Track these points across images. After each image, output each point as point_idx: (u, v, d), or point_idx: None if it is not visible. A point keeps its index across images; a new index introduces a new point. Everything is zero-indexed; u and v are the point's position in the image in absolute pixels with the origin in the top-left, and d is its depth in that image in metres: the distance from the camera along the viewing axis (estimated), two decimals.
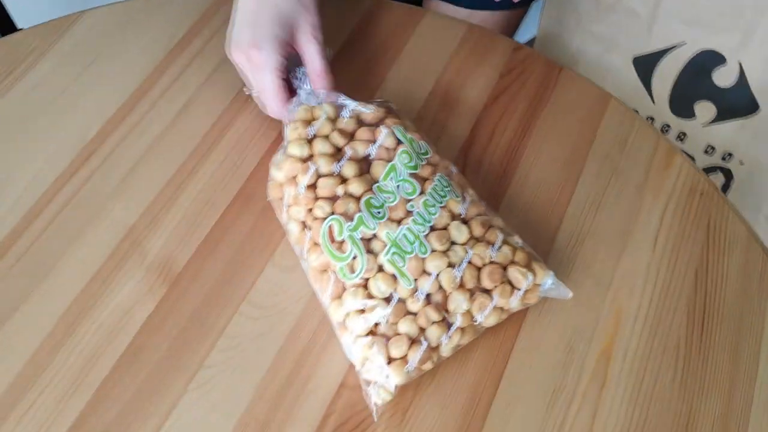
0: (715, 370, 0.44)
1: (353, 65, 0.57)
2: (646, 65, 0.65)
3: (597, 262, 0.48)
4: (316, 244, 0.43)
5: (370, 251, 0.41)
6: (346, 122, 0.46)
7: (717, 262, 0.48)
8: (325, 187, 0.43)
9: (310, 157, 0.44)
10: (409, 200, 0.43)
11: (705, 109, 0.65)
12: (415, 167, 0.44)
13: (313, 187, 0.44)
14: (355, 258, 0.41)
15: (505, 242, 0.43)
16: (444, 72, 0.57)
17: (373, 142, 0.45)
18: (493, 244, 0.43)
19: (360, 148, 0.45)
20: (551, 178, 0.52)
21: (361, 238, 0.42)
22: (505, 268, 0.42)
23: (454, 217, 0.43)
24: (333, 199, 0.43)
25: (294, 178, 0.44)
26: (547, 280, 0.43)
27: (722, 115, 0.64)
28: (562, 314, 0.46)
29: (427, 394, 0.43)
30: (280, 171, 0.45)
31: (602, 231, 0.49)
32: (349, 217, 0.42)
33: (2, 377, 0.42)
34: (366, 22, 0.60)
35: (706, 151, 0.67)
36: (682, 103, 0.65)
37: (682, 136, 0.68)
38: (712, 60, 0.61)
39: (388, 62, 0.58)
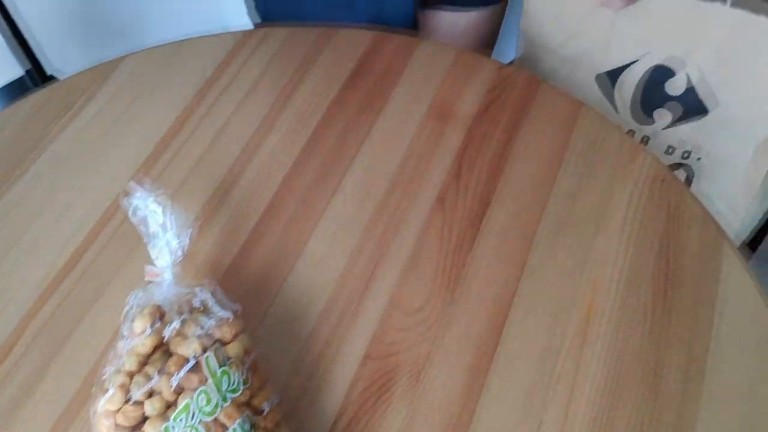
0: (678, 326, 0.53)
1: (361, 90, 0.67)
2: (607, 81, 0.74)
3: (576, 242, 0.57)
4: None
5: None
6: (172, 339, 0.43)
7: (677, 236, 0.57)
8: (122, 415, 0.41)
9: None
10: None
11: (662, 115, 0.74)
12: (212, 412, 0.41)
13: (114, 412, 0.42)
14: None
15: None
16: (439, 91, 0.67)
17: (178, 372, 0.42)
18: None
19: (164, 382, 0.42)
20: (536, 174, 0.61)
21: None
22: None
23: None
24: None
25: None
26: None
27: (677, 120, 0.73)
28: (548, 286, 0.54)
29: (438, 352, 0.51)
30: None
31: (579, 215, 0.58)
32: None
33: None
34: (370, 53, 0.70)
35: (667, 152, 0.76)
36: (642, 111, 0.75)
37: (645, 140, 0.77)
38: (663, 73, 0.71)
39: (391, 85, 0.67)
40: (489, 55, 0.92)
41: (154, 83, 0.68)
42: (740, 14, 0.65)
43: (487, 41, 0.88)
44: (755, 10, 0.64)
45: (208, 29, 0.73)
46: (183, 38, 0.72)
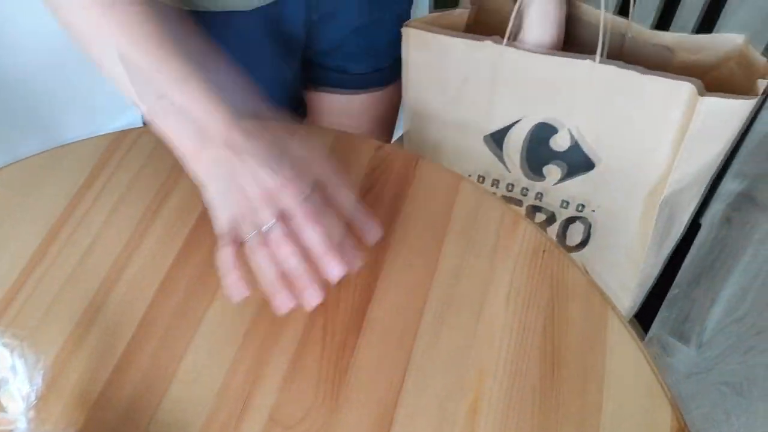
0: (567, 405, 0.51)
1: None
2: (495, 141, 0.75)
3: (461, 326, 0.55)
4: None
5: None
6: None
7: (561, 309, 0.56)
8: None
9: None
10: None
11: (551, 171, 0.74)
12: None
13: None
14: None
15: None
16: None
17: None
18: None
19: None
20: (418, 257, 0.60)
21: None
22: None
23: None
24: None
25: None
26: None
27: (567, 175, 0.74)
28: (434, 378, 0.53)
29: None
30: None
31: (463, 296, 0.57)
32: None
33: None
34: None
35: (562, 206, 0.77)
36: (531, 168, 0.75)
37: (540, 196, 0.77)
38: (546, 130, 0.71)
39: None
40: (390, 132, 0.91)
41: (25, 199, 0.65)
42: (609, 70, 0.66)
43: (388, 119, 0.87)
44: (623, 65, 0.66)
45: (123, 123, 0.71)
46: (55, 146, 0.70)
